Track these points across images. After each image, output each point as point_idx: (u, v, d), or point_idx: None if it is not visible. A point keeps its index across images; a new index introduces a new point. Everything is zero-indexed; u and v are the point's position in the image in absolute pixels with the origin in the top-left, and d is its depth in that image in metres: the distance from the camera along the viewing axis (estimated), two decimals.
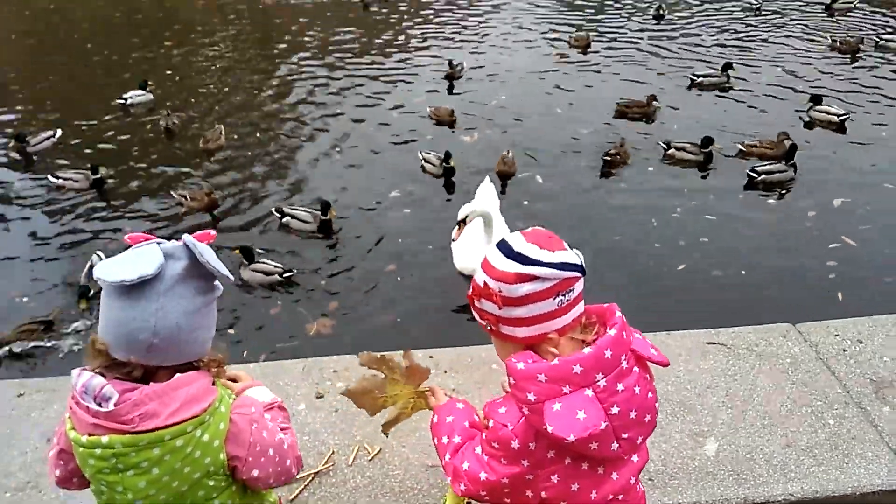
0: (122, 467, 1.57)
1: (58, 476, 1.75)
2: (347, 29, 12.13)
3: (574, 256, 1.63)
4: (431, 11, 13.28)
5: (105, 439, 1.55)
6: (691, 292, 5.32)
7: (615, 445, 1.62)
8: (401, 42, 11.61)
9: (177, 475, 1.62)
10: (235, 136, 8.13)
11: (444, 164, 6.86)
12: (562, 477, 1.68)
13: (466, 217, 5.23)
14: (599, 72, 9.90)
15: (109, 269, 1.53)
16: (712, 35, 11.56)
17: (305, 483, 2.35)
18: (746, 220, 6.33)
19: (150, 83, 9.34)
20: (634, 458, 1.80)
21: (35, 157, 7.72)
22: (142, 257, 1.55)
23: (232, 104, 9.22)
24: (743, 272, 5.56)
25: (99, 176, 6.86)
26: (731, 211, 6.49)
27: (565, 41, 10.94)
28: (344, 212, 6.25)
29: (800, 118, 8.27)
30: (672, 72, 9.92)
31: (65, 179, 6.91)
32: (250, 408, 1.74)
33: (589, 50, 10.58)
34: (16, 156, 7.74)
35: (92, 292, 5.11)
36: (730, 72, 9.39)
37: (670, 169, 7.26)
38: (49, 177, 6.98)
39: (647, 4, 13.17)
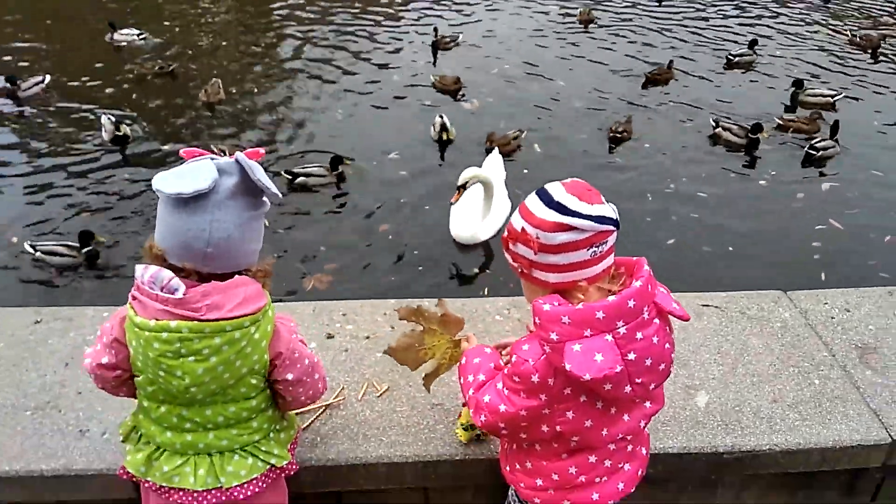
0: (184, 352, 1.71)
1: (105, 363, 1.84)
2: None
3: (610, 210, 1.72)
4: None
5: (173, 324, 1.68)
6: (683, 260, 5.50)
7: (628, 388, 1.73)
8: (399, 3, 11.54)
9: (229, 367, 1.77)
10: (233, 91, 8.13)
11: (441, 132, 6.93)
12: (576, 413, 1.80)
13: (466, 182, 5.32)
14: (601, 46, 9.87)
15: (167, 182, 1.67)
16: (716, 13, 11.57)
17: (317, 415, 2.45)
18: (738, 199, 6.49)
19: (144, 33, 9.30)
20: (647, 404, 1.92)
21: (26, 103, 7.67)
22: (197, 172, 1.67)
23: (228, 58, 9.19)
24: (730, 248, 5.72)
25: (121, 133, 6.79)
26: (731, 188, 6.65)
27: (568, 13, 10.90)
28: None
29: (781, 103, 8.35)
30: (679, 47, 9.98)
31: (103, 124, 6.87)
32: (290, 321, 2.04)
33: (591, 25, 10.57)
34: (7, 101, 7.66)
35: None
36: (756, 48, 9.51)
37: (681, 140, 7.38)
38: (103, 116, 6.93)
39: None
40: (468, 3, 11.41)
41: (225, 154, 1.86)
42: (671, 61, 8.86)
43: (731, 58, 9.36)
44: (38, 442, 2.32)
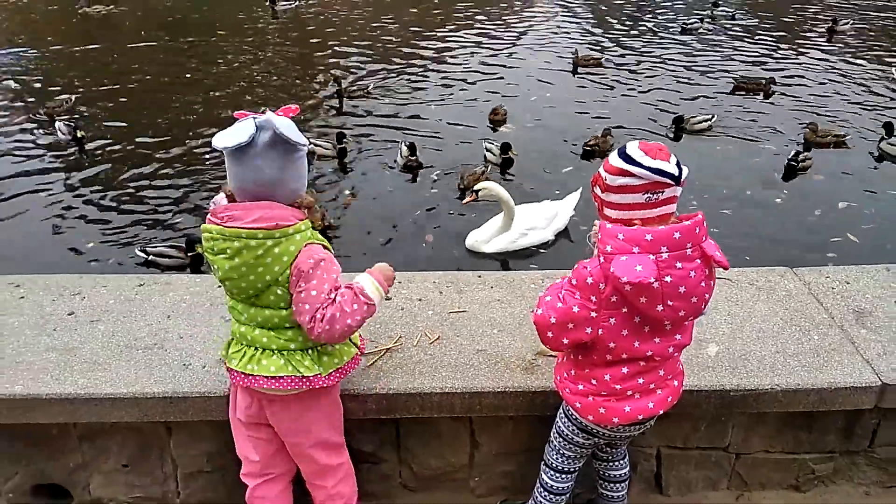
0: (215, 250, 2.22)
1: None
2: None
3: (671, 167, 2.06)
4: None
5: (209, 227, 2.22)
6: None
7: (660, 307, 2.11)
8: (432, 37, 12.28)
9: (251, 270, 2.19)
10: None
11: (502, 154, 7.58)
12: (617, 321, 2.18)
13: (480, 191, 5.86)
14: (612, 86, 10.43)
15: (219, 139, 2.09)
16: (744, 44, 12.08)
17: (380, 356, 2.87)
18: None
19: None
20: (678, 336, 2.28)
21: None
22: (239, 130, 2.08)
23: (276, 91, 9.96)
24: (747, 258, 6.06)
25: (343, 145, 7.68)
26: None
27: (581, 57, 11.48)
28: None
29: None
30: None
31: (316, 146, 7.66)
32: (317, 253, 2.23)
33: (601, 66, 11.13)
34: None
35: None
36: None
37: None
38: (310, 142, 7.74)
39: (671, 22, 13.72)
40: (501, 41, 12.14)
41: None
42: (771, 79, 9.95)
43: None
44: (148, 373, 2.77)
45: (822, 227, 6.64)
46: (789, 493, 3.14)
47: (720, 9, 14.99)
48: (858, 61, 11.59)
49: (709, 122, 8.75)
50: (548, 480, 2.66)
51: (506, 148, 7.54)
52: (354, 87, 9.76)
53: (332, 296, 2.22)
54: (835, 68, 11.29)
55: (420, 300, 3.22)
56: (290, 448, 2.56)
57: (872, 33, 13.17)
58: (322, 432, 2.54)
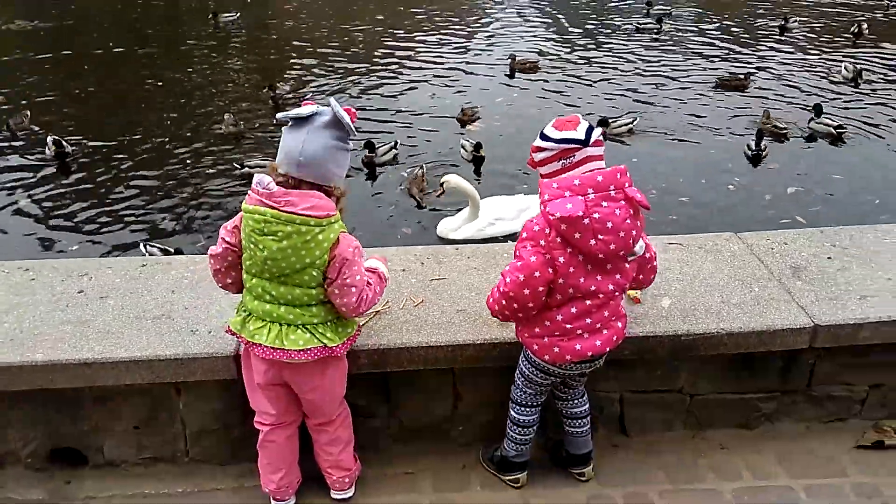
0: (266, 231, 2.43)
1: (228, 240, 2.60)
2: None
3: (578, 134, 2.48)
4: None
5: (262, 209, 2.42)
6: None
7: (592, 241, 2.48)
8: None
9: (296, 252, 2.45)
10: (242, 123, 9.24)
11: (474, 152, 8.01)
12: (565, 259, 2.53)
13: (444, 183, 6.31)
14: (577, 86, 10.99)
15: (286, 113, 2.46)
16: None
17: (369, 318, 3.17)
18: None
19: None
20: (618, 276, 2.65)
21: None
22: (304, 108, 2.46)
23: (237, 97, 10.37)
24: None
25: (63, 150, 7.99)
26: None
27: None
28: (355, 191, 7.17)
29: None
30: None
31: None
32: (353, 241, 2.59)
33: (537, 70, 11.71)
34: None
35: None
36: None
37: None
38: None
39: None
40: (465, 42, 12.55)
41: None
42: (749, 73, 10.54)
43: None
44: (159, 339, 3.04)
45: (771, 211, 7.11)
46: (739, 430, 3.50)
47: (655, 8, 15.71)
48: (807, 57, 12.23)
49: (629, 126, 9.13)
50: (515, 415, 3.02)
51: (478, 147, 8.00)
52: (290, 96, 10.22)
53: (365, 279, 2.64)
54: (786, 64, 11.91)
55: (403, 270, 3.54)
56: (306, 403, 2.86)
57: (819, 30, 13.87)
58: (336, 388, 2.87)
